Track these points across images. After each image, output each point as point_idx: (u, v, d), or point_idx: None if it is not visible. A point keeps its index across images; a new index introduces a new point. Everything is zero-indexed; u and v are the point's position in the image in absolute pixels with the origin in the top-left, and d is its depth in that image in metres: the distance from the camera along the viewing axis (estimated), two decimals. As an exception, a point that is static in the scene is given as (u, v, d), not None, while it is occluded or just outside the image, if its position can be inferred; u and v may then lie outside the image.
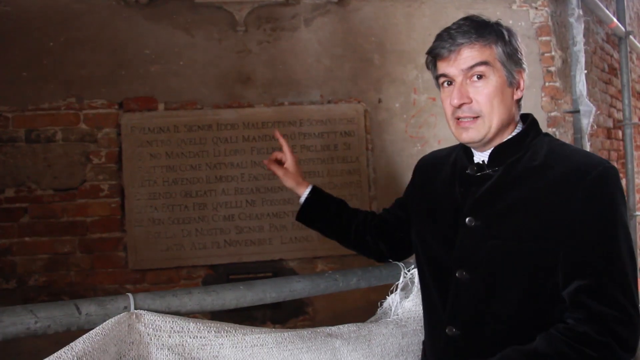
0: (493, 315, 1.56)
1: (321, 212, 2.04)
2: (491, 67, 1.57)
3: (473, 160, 1.69)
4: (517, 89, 1.62)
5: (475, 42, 1.57)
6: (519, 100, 1.65)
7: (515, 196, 1.55)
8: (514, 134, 1.64)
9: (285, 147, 2.07)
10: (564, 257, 1.48)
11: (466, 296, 1.60)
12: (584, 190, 1.46)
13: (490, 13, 3.93)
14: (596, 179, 1.47)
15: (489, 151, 1.64)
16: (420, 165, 1.93)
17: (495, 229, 1.57)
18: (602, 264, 1.44)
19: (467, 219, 1.61)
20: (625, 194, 4.88)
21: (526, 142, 1.62)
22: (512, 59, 1.59)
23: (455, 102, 1.58)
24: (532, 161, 1.57)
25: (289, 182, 2.06)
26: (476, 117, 1.59)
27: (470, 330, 1.60)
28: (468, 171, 1.68)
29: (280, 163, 2.10)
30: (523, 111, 1.70)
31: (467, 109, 1.59)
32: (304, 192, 2.04)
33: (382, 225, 2.00)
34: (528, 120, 1.67)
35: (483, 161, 1.65)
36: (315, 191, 2.04)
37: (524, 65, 1.63)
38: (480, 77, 1.57)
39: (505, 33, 1.61)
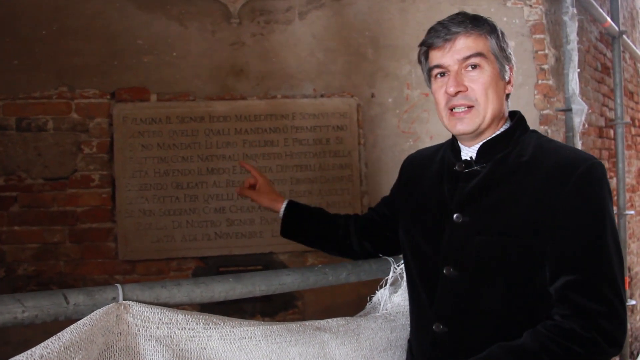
0: (480, 311, 1.56)
1: (299, 224, 2.07)
2: (486, 59, 1.58)
3: (460, 156, 1.69)
4: (508, 84, 1.64)
5: (471, 31, 1.58)
6: (508, 96, 1.67)
7: (504, 192, 1.55)
8: (502, 129, 1.64)
9: (254, 172, 2.14)
10: (551, 252, 1.48)
11: (453, 293, 1.61)
12: (571, 185, 1.47)
13: (485, 10, 3.93)
14: (583, 174, 1.47)
15: (477, 147, 1.65)
16: (407, 163, 1.93)
17: (482, 225, 1.57)
18: (588, 259, 1.44)
19: (454, 216, 1.62)
20: (615, 192, 4.88)
21: (514, 138, 1.62)
22: (504, 53, 1.62)
23: (452, 89, 1.58)
24: (520, 157, 1.58)
25: (264, 203, 2.11)
26: (470, 107, 1.59)
27: (458, 327, 1.60)
28: (456, 168, 1.68)
29: (253, 187, 2.15)
30: (516, 108, 1.71)
31: (463, 97, 1.59)
32: (281, 209, 2.07)
33: (367, 225, 2.01)
34: (516, 116, 1.68)
35: (471, 157, 1.66)
36: (290, 206, 2.07)
37: (513, 63, 1.66)
38: (475, 67, 1.58)
39: (498, 27, 1.63)
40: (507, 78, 1.63)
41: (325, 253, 2.16)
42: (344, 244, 2.04)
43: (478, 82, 1.58)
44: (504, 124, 1.65)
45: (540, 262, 1.50)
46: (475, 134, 1.62)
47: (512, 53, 1.65)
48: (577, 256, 1.45)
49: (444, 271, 1.62)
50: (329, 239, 2.06)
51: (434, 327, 1.64)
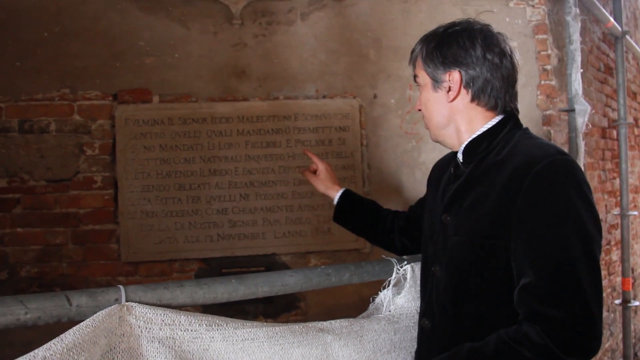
0: (457, 310, 1.59)
1: (350, 213, 2.20)
2: (419, 79, 1.70)
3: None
4: (448, 92, 1.64)
5: (411, 56, 1.74)
6: (479, 100, 1.62)
7: (477, 193, 1.56)
8: (482, 130, 1.63)
9: (315, 158, 2.29)
10: (513, 254, 1.45)
11: (437, 291, 1.65)
12: (527, 184, 1.43)
13: (487, 10, 3.93)
14: (540, 172, 1.43)
15: (462, 148, 1.67)
16: (434, 166, 1.98)
17: (459, 226, 1.59)
18: (545, 261, 1.39)
19: (442, 216, 1.67)
20: (618, 192, 4.82)
21: (498, 138, 1.61)
22: (434, 62, 1.64)
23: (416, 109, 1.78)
24: (496, 156, 1.57)
25: (320, 188, 2.27)
26: None
27: (439, 324, 1.65)
28: (451, 170, 1.73)
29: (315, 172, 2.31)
30: (519, 108, 1.70)
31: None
32: (336, 196, 2.22)
33: (406, 222, 2.10)
34: (503, 116, 1.65)
35: (459, 158, 1.69)
36: (345, 195, 2.21)
37: (457, 67, 1.61)
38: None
39: (433, 38, 1.66)
40: (443, 87, 1.64)
41: (371, 244, 2.31)
42: (387, 238, 2.15)
43: (421, 101, 1.73)
44: (481, 126, 1.63)
45: (508, 264, 1.47)
46: (436, 141, 1.75)
47: (461, 56, 1.60)
48: (534, 258, 1.40)
49: (432, 269, 1.68)
50: (375, 231, 2.18)
51: (421, 322, 1.73)
